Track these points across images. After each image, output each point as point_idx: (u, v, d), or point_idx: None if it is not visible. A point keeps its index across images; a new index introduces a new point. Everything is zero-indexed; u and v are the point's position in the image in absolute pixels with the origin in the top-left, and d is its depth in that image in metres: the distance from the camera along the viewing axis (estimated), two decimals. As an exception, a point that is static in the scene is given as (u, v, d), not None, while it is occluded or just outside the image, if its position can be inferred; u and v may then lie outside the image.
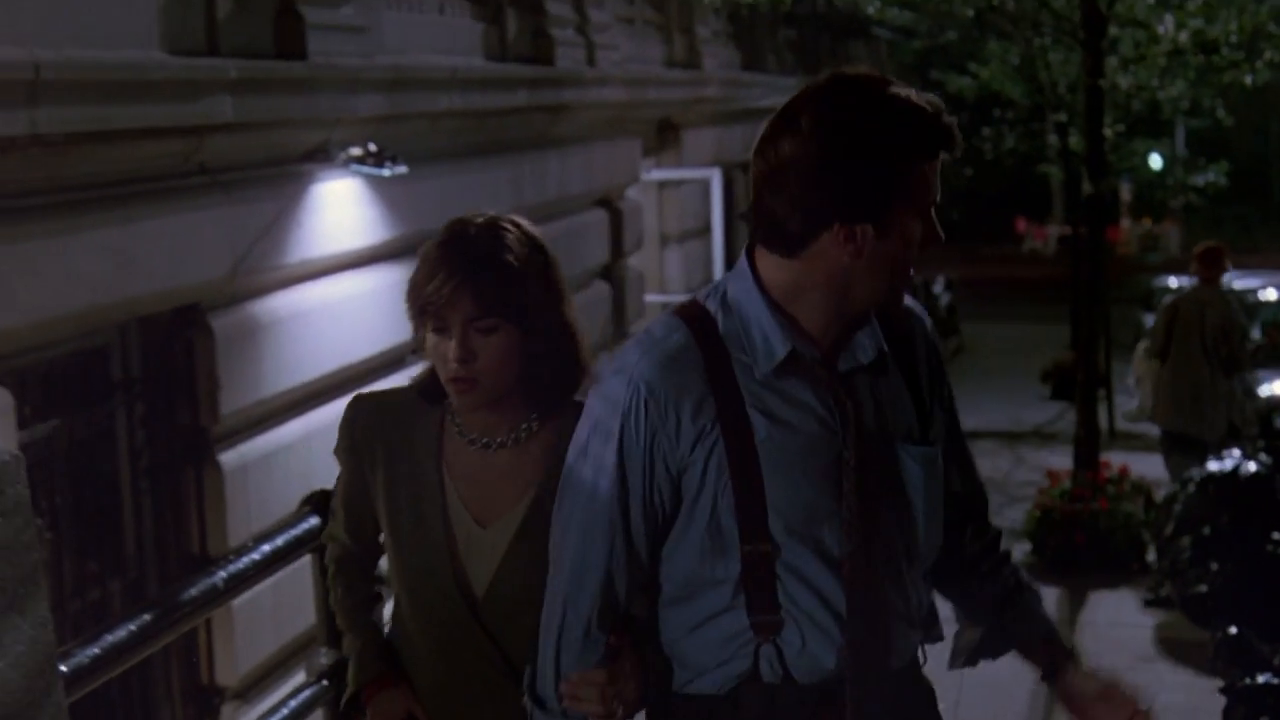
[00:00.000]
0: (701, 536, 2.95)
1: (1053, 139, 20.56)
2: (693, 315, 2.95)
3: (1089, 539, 11.51)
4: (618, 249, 12.81)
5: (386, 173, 7.68)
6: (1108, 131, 14.22)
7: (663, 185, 14.97)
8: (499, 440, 3.24)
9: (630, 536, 2.97)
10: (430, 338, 3.18)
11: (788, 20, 20.01)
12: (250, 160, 7.10)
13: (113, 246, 6.14)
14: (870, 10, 16.62)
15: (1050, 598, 10.65)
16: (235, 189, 6.95)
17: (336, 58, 7.59)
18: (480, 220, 3.21)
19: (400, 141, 8.09)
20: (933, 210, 2.84)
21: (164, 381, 6.74)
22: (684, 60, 15.49)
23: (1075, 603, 10.82)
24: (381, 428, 3.32)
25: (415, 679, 3.40)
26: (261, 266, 7.18)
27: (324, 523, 3.66)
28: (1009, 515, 12.48)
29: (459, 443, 3.27)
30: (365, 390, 3.49)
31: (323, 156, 7.56)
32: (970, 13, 15.37)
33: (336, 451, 3.39)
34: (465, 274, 3.12)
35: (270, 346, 7.22)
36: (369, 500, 3.36)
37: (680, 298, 13.41)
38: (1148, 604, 10.51)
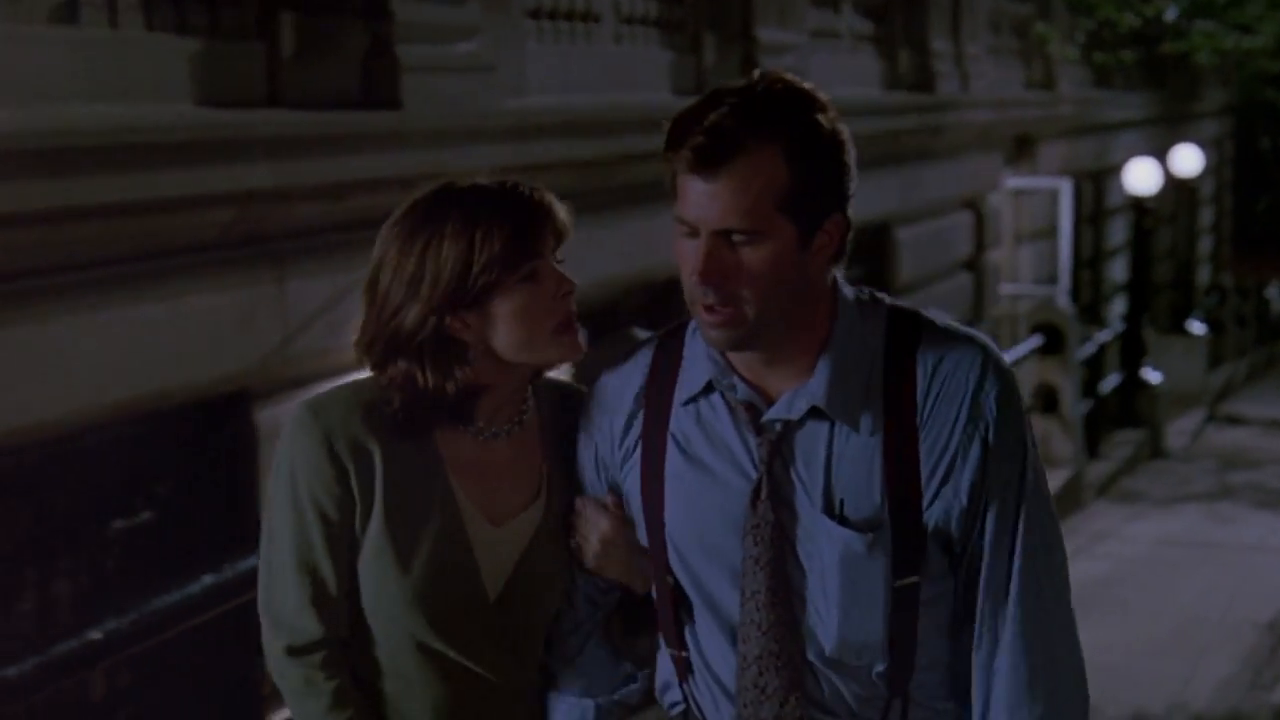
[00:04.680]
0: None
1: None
2: (670, 332, 2.76)
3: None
4: (980, 246, 14.30)
5: (815, 183, 9.83)
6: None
7: (1018, 192, 15.69)
8: (505, 428, 2.85)
9: None
10: None
11: (1136, 40, 21.21)
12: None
13: (634, 234, 8.50)
14: (1202, 59, 17.89)
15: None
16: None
17: (781, 95, 9.81)
18: None
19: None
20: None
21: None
22: (1041, 81, 16.52)
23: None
24: (369, 423, 2.78)
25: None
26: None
27: None
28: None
29: (457, 433, 2.83)
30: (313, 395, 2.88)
31: (767, 170, 9.76)
32: (1277, 68, 16.75)
33: (299, 470, 2.76)
34: None
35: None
36: (350, 528, 2.78)
37: (1030, 289, 15.09)
38: None
